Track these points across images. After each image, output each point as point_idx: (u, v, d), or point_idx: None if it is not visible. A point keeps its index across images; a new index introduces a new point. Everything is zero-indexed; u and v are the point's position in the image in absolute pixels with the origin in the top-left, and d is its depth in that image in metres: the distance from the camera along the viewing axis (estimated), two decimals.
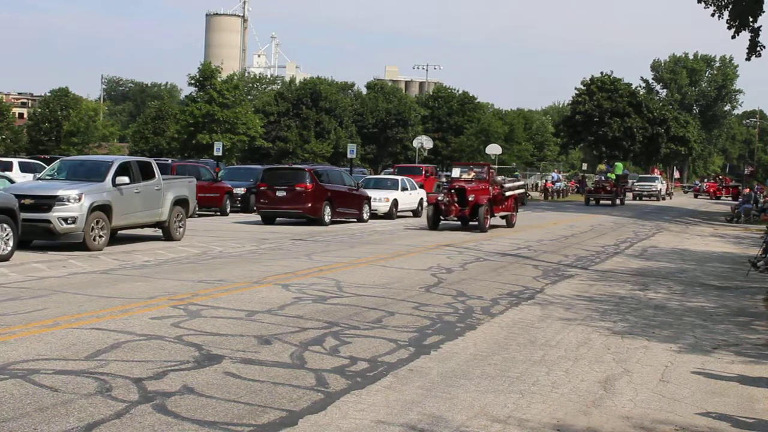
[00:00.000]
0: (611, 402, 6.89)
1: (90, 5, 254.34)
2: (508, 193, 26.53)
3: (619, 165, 52.76)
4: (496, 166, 43.29)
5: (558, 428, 6.16)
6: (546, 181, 66.86)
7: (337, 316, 10.07)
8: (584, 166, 79.17)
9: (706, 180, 77.13)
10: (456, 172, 26.85)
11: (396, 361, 7.90)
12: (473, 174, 25.92)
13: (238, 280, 12.84)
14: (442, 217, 24.36)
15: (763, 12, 36.41)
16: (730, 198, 70.08)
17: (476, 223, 24.15)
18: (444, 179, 33.43)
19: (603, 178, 49.95)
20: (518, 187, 29.01)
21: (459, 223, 25.05)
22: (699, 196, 72.02)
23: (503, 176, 34.44)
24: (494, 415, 6.39)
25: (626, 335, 9.69)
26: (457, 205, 24.20)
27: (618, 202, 47.97)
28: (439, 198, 24.46)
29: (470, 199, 24.13)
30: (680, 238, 25.95)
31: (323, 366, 7.60)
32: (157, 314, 9.70)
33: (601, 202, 48.08)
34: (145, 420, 5.92)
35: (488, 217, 24.44)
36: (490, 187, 25.09)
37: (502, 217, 26.46)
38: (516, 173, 65.30)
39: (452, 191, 24.41)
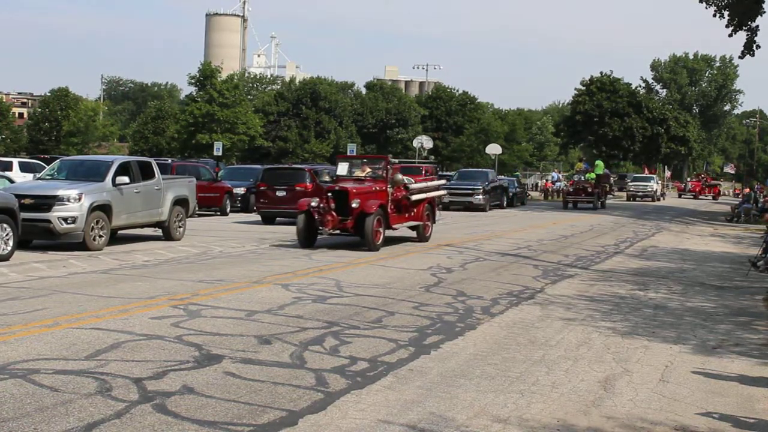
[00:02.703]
0: (611, 402, 6.89)
1: (90, 5, 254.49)
2: (416, 197, 19.85)
3: (600, 164, 47.12)
4: (429, 167, 36.37)
5: (558, 428, 6.16)
6: (546, 181, 66.92)
7: (337, 315, 10.07)
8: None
9: (690, 179, 76.58)
10: (342, 169, 20.05)
11: (396, 361, 7.90)
12: (367, 171, 19.52)
13: (238, 279, 12.84)
14: (320, 230, 18.02)
15: (764, 12, 36.45)
16: (711, 197, 69.94)
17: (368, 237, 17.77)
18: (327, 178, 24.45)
19: (582, 179, 43.24)
20: (432, 188, 21.72)
21: (353, 236, 18.50)
22: (683, 196, 70.90)
23: (431, 173, 28.22)
24: (494, 414, 6.39)
25: (626, 335, 9.69)
26: (334, 213, 17.66)
27: (599, 205, 42.07)
28: (312, 204, 17.75)
29: (354, 205, 17.55)
30: (680, 238, 25.94)
31: (323, 366, 7.60)
32: (157, 314, 9.70)
33: (580, 205, 42.44)
34: (145, 420, 5.92)
35: (380, 230, 17.97)
36: (389, 189, 18.96)
37: (412, 228, 20.34)
38: (516, 173, 65.33)
39: (329, 195, 17.95)
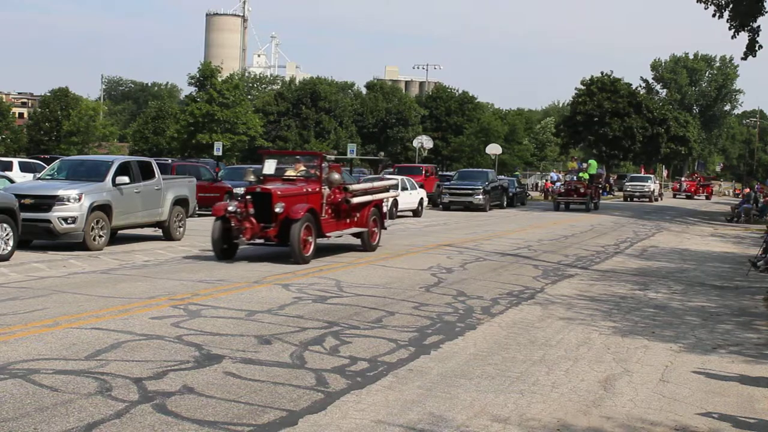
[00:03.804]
0: (611, 402, 6.89)
1: (90, 5, 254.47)
2: (357, 200, 17.15)
3: (594, 163, 44.88)
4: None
5: (558, 428, 6.16)
6: (546, 181, 66.89)
7: (337, 315, 10.07)
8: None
9: (684, 179, 76.31)
10: (269, 167, 16.95)
11: (396, 361, 7.90)
12: (301, 169, 16.91)
13: (238, 279, 12.83)
14: (241, 238, 15.10)
15: (765, 12, 36.45)
16: (704, 197, 69.80)
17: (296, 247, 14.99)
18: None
19: (575, 179, 41.26)
20: (379, 189, 18.83)
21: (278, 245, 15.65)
22: (677, 196, 70.50)
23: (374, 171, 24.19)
24: (494, 414, 6.38)
25: (626, 335, 9.69)
26: (254, 219, 15.02)
27: (591, 206, 40.19)
28: (230, 209, 15.08)
29: (277, 210, 14.91)
30: (680, 238, 25.94)
31: (323, 366, 7.60)
32: (157, 314, 9.70)
33: (572, 206, 40.43)
34: (145, 420, 5.92)
35: (309, 239, 15.28)
36: (325, 191, 16.36)
37: (356, 236, 17.79)
38: (516, 173, 65.27)
39: (248, 198, 15.25)
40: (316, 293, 11.68)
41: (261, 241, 15.47)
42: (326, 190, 16.40)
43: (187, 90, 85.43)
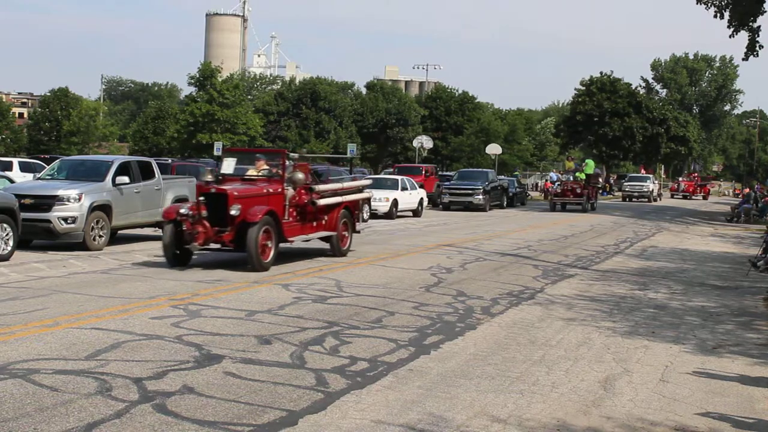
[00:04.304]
0: (611, 402, 6.89)
1: (90, 5, 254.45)
2: (324, 201, 15.98)
3: (591, 163, 43.64)
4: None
5: (558, 428, 6.16)
6: (546, 181, 66.86)
7: (337, 315, 10.07)
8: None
9: (682, 179, 76.18)
10: (228, 166, 15.86)
11: (396, 361, 7.90)
12: (263, 168, 15.63)
13: (238, 279, 12.83)
14: (193, 244, 13.79)
15: (765, 12, 36.45)
16: (701, 197, 69.72)
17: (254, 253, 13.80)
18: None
19: (571, 179, 40.37)
20: (350, 190, 17.53)
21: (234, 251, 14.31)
22: (675, 196, 70.25)
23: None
24: (494, 414, 6.39)
25: (626, 335, 9.69)
26: (207, 223, 13.80)
27: (588, 207, 39.26)
28: (182, 211, 13.90)
29: (233, 213, 13.78)
30: (680, 238, 25.94)
31: (323, 366, 7.60)
32: (157, 314, 9.70)
33: (568, 207, 39.57)
34: (145, 420, 5.92)
35: (269, 244, 14.08)
36: (288, 191, 15.18)
37: (324, 240, 16.59)
38: (516, 173, 65.24)
39: (200, 200, 14.03)
40: (316, 293, 11.69)
41: (218, 246, 14.18)
42: (290, 191, 15.17)
43: (187, 90, 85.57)
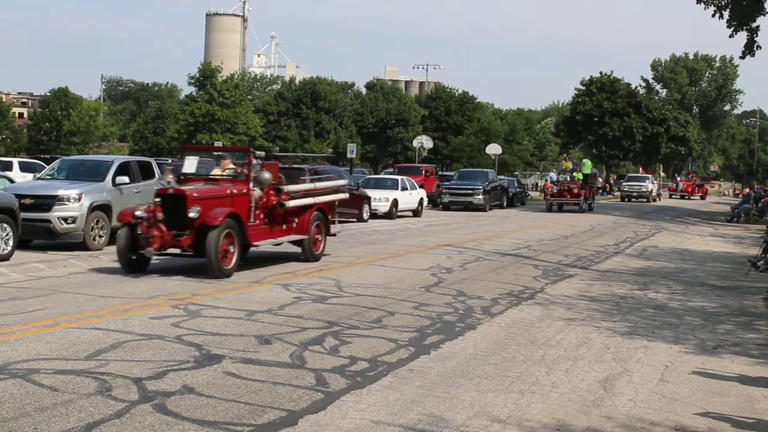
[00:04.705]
0: (611, 402, 6.90)
1: (90, 5, 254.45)
2: (295, 203, 14.99)
3: (588, 163, 43.04)
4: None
5: (558, 428, 6.16)
6: (546, 181, 66.86)
7: (337, 315, 10.07)
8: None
9: (680, 179, 76.10)
10: (189, 165, 14.85)
11: (396, 361, 7.91)
12: (230, 167, 14.75)
13: (238, 279, 12.83)
14: (148, 249, 12.83)
15: (765, 12, 36.46)
16: (699, 197, 69.69)
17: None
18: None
19: (568, 179, 39.51)
20: (323, 191, 16.49)
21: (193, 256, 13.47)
22: (673, 196, 70.07)
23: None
24: (494, 414, 6.39)
25: (626, 335, 9.70)
26: (163, 226, 12.91)
27: (585, 207, 38.59)
28: (137, 214, 12.93)
29: (191, 215, 12.84)
30: (680, 238, 25.95)
31: (323, 366, 7.61)
32: (157, 314, 9.70)
33: (565, 207, 38.87)
34: (145, 420, 5.92)
35: (231, 249, 13.14)
36: (255, 192, 14.15)
37: (296, 243, 15.61)
38: (516, 173, 65.23)
39: (157, 201, 13.20)
40: (316, 293, 11.69)
41: (178, 251, 13.29)
42: (256, 192, 14.16)
43: (187, 90, 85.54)
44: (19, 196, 15.42)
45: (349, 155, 50.22)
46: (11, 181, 19.06)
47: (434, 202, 37.96)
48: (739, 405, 6.98)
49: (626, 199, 57.05)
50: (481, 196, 36.69)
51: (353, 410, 6.35)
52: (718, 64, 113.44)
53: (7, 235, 14.40)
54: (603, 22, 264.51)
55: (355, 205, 27.85)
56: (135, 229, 12.88)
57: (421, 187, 34.36)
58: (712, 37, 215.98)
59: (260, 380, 7.05)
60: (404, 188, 31.92)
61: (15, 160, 30.25)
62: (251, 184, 14.11)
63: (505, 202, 41.29)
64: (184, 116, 62.21)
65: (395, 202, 30.74)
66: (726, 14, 36.79)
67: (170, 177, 13.93)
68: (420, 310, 10.68)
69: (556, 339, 9.28)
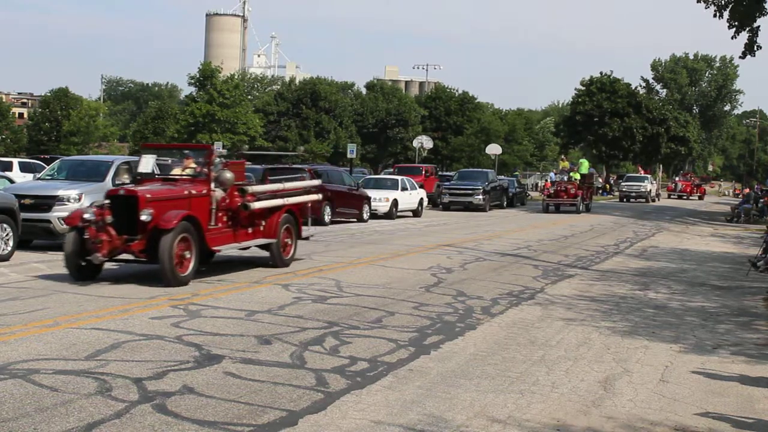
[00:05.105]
0: (611, 402, 6.90)
1: (90, 5, 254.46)
2: (261, 205, 14.07)
3: (585, 162, 42.36)
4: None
5: (558, 428, 6.16)
6: (546, 181, 66.84)
7: (337, 316, 10.07)
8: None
9: (679, 179, 76.08)
10: (146, 164, 14.06)
11: (396, 361, 7.91)
12: (191, 167, 13.75)
13: (238, 279, 12.84)
14: (95, 255, 11.87)
15: (765, 12, 36.46)
16: (697, 197, 69.69)
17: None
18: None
19: (565, 179, 38.81)
20: (293, 191, 15.48)
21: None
22: (671, 196, 69.88)
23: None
24: (494, 415, 6.39)
25: (626, 335, 9.70)
26: (112, 230, 12.00)
27: (583, 208, 37.90)
28: (86, 216, 12.04)
29: (143, 218, 11.93)
30: (680, 238, 25.95)
31: (323, 366, 7.61)
32: (157, 314, 9.70)
33: (562, 208, 38.29)
34: (145, 420, 5.93)
35: (187, 254, 12.18)
36: (216, 193, 13.22)
37: (264, 247, 14.60)
38: (516, 173, 65.21)
39: (106, 203, 12.29)
40: (316, 293, 11.69)
41: (132, 257, 12.34)
42: (218, 193, 13.22)
43: (187, 90, 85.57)
44: (19, 197, 15.43)
45: (349, 155, 50.20)
46: (11, 181, 19.06)
47: (434, 202, 37.97)
48: (739, 405, 6.98)
49: (625, 200, 56.67)
50: (481, 196, 36.70)
51: (353, 410, 6.35)
52: (718, 64, 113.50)
53: (7, 235, 14.40)
54: (603, 22, 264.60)
55: (355, 205, 27.91)
56: (83, 234, 11.98)
57: (421, 187, 34.37)
58: (712, 37, 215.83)
59: (260, 380, 7.05)
60: (404, 188, 31.93)
61: (15, 161, 30.25)
62: (212, 185, 13.17)
63: (505, 203, 41.29)
64: (184, 116, 62.26)
65: (395, 203, 30.75)
66: (726, 14, 36.79)
67: (125, 177, 12.73)
68: (420, 310, 10.69)
69: (556, 339, 9.28)
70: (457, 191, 37.29)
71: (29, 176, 24.82)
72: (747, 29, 36.72)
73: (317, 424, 5.99)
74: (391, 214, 30.28)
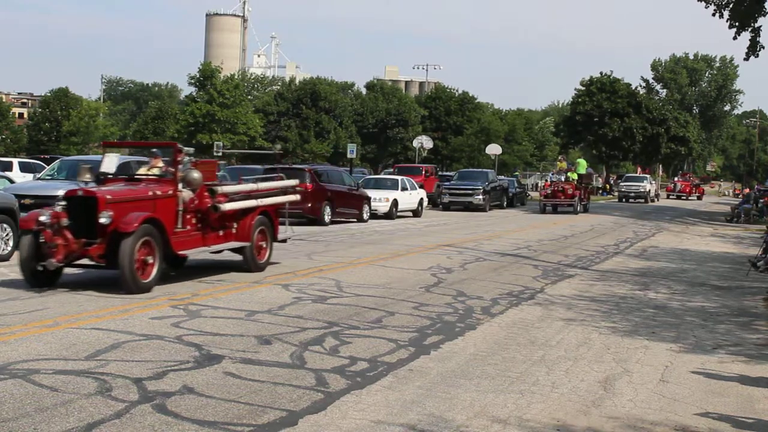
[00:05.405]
0: (611, 402, 6.89)
1: (90, 5, 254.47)
2: (232, 206, 13.30)
3: (582, 162, 41.98)
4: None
5: (558, 428, 6.16)
6: (546, 181, 66.83)
7: (337, 316, 10.07)
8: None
9: (678, 179, 76.10)
10: (109, 164, 13.49)
11: (396, 361, 7.90)
12: (158, 166, 13.20)
13: (238, 279, 12.83)
14: (50, 260, 11.12)
15: (765, 12, 36.45)
16: (696, 197, 69.66)
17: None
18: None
19: (563, 179, 38.16)
20: (266, 192, 14.67)
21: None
22: (670, 196, 69.76)
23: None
24: (494, 415, 6.39)
25: (626, 335, 9.69)
26: (69, 233, 11.21)
27: (580, 208, 37.40)
28: (42, 219, 11.32)
29: (102, 221, 11.11)
30: (680, 238, 25.95)
31: (323, 366, 7.60)
32: (157, 314, 9.70)
33: (559, 209, 37.93)
34: (145, 420, 5.92)
35: (150, 260, 11.38)
36: (184, 194, 12.45)
37: (237, 251, 13.89)
38: (516, 173, 65.20)
39: (62, 205, 11.51)
40: (316, 293, 11.69)
41: (92, 262, 11.52)
42: (185, 194, 12.45)
43: (187, 90, 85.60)
44: (19, 197, 15.44)
45: (349, 155, 50.22)
46: (11, 181, 19.08)
47: (434, 203, 37.98)
48: (739, 405, 6.98)
49: (624, 200, 56.40)
50: (481, 197, 36.71)
51: (353, 410, 6.35)
52: (718, 65, 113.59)
53: (7, 235, 14.41)
54: (603, 22, 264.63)
55: (355, 206, 27.92)
56: (39, 237, 11.28)
57: (421, 187, 34.39)
58: (712, 37, 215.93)
59: (260, 380, 7.05)
60: (404, 188, 31.94)
61: (15, 161, 30.29)
62: (180, 185, 12.39)
63: (505, 203, 41.31)
64: (184, 116, 62.33)
65: (395, 203, 30.76)
66: (726, 13, 36.79)
67: (87, 177, 12.40)
68: (420, 311, 10.68)
69: (556, 339, 9.28)
70: (457, 191, 37.30)
71: (29, 176, 24.84)
72: (749, 29, 36.70)
73: (317, 424, 5.99)
74: (391, 214, 30.28)
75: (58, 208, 11.37)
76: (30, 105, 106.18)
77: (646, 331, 10.02)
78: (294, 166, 32.63)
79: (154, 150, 13.94)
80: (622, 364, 8.19)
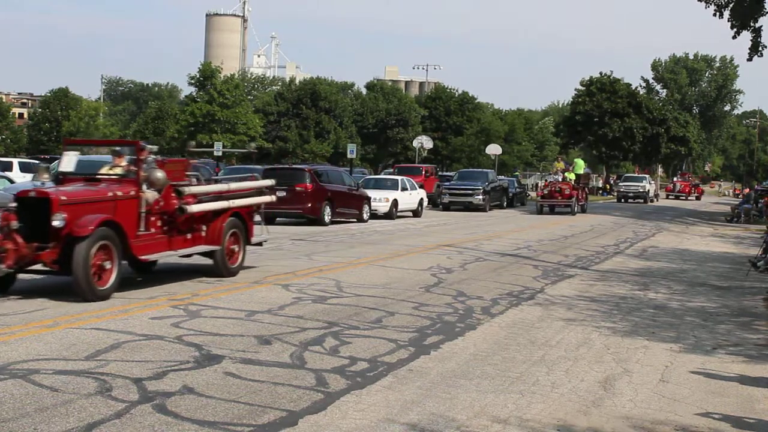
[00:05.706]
0: (611, 402, 6.89)
1: (90, 5, 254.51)
2: (201, 207, 12.53)
3: (580, 162, 41.50)
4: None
5: (558, 428, 6.16)
6: (545, 181, 66.78)
7: (337, 316, 10.07)
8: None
9: (677, 179, 76.03)
10: (68, 163, 12.51)
11: (396, 361, 7.90)
12: (121, 165, 12.22)
13: (238, 280, 12.83)
14: (2, 267, 10.30)
15: (765, 12, 36.45)
16: (694, 197, 69.61)
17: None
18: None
19: (560, 179, 37.46)
20: (239, 193, 13.92)
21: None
22: (669, 196, 69.62)
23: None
24: (494, 415, 6.39)
25: (626, 335, 9.69)
26: (19, 237, 10.41)
27: (578, 209, 36.78)
28: None
29: (56, 224, 10.33)
30: (680, 238, 25.95)
31: (323, 366, 7.60)
32: (157, 314, 9.70)
33: (556, 209, 37.30)
34: (145, 420, 5.92)
35: (107, 265, 10.66)
36: (148, 195, 11.65)
37: (207, 255, 13.12)
38: (516, 174, 65.18)
39: (13, 207, 10.58)
40: (316, 293, 11.68)
41: (44, 267, 10.72)
42: (150, 195, 11.68)
43: (187, 90, 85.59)
44: None
45: (349, 155, 50.22)
46: (11, 181, 19.09)
47: (434, 203, 37.97)
48: (739, 405, 6.98)
49: (623, 200, 56.08)
50: (481, 197, 36.69)
51: (353, 410, 6.35)
52: (718, 65, 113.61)
53: None
54: (603, 22, 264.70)
55: (355, 206, 27.92)
56: None
57: (421, 187, 34.37)
58: (712, 37, 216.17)
59: (260, 380, 7.05)
60: (404, 188, 31.93)
61: (15, 161, 30.32)
62: (144, 186, 11.60)
63: (505, 203, 41.31)
64: (184, 117, 62.35)
65: (395, 203, 30.75)
66: (726, 13, 36.79)
67: (45, 176, 11.86)
68: (420, 311, 10.68)
69: (556, 339, 9.28)
70: (457, 191, 37.28)
71: (29, 176, 24.84)
72: (749, 29, 36.70)
73: (317, 424, 5.99)
74: (391, 214, 30.28)
75: (8, 210, 10.56)
76: (30, 105, 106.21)
77: (646, 331, 10.02)
78: (294, 166, 32.65)
79: (117, 148, 13.01)
80: (622, 364, 8.19)
